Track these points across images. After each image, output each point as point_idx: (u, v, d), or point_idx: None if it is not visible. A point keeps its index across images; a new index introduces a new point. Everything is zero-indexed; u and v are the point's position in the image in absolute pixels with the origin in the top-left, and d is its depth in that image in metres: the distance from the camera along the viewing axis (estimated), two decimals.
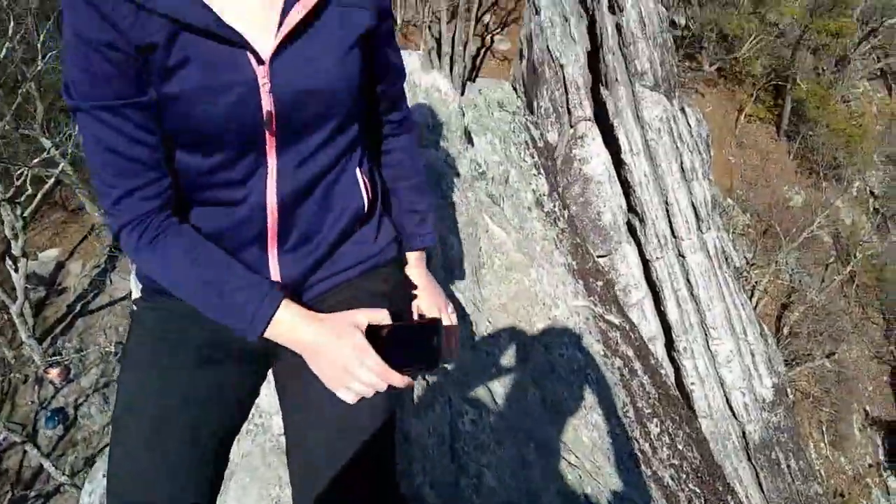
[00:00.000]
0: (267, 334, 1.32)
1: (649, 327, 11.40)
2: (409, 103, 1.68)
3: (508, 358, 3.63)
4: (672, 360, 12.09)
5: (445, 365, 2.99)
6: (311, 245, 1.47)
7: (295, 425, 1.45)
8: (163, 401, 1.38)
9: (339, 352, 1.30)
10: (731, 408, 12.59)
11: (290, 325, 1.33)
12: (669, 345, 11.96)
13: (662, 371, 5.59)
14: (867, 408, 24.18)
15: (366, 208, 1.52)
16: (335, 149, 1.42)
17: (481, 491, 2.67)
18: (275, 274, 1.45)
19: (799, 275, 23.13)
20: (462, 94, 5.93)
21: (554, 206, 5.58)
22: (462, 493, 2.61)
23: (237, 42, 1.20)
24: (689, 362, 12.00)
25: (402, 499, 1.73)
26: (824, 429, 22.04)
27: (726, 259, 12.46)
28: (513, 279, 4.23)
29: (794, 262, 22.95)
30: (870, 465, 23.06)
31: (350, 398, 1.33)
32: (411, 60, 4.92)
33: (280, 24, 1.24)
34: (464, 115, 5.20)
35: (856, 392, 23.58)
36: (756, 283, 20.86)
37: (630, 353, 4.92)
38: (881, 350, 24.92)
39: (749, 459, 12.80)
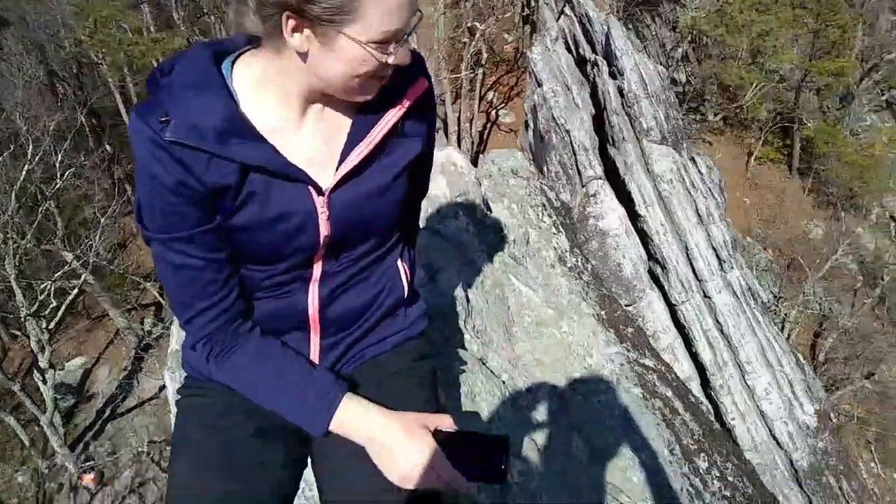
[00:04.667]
0: (332, 429, 1.40)
1: (682, 369, 11.38)
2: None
3: (549, 410, 3.74)
4: (710, 398, 12.02)
5: None
6: (352, 329, 1.58)
7: (335, 495, 1.53)
8: (225, 477, 1.44)
9: (410, 453, 1.34)
10: (775, 438, 12.44)
11: (353, 422, 1.40)
12: (705, 384, 11.92)
13: (703, 407, 5.63)
14: None
15: (406, 295, 1.64)
16: (378, 251, 1.54)
17: None
18: (314, 356, 1.56)
19: (828, 303, 22.91)
20: (475, 166, 6.21)
21: (577, 261, 5.77)
22: None
23: (301, 179, 1.31)
24: (727, 399, 11.93)
25: None
26: (873, 448, 21.49)
27: (752, 295, 12.48)
28: (544, 333, 4.39)
29: (822, 292, 22.76)
30: None
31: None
32: None
33: (341, 160, 1.34)
34: (480, 184, 5.46)
35: None
36: (786, 315, 20.69)
37: (669, 393, 4.99)
38: None
39: (800, 487, 12.55)
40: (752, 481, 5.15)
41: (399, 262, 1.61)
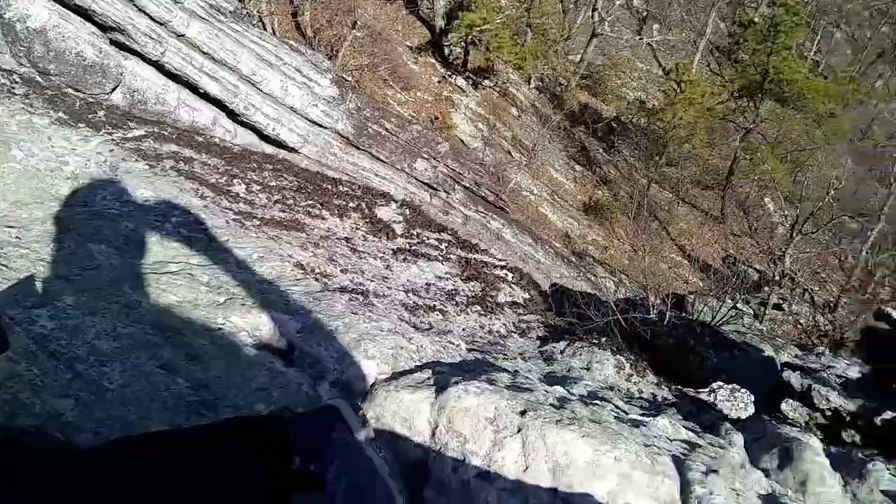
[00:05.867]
0: None
1: (204, 114, 11.20)
2: None
3: (54, 242, 3.36)
4: (245, 124, 12.18)
5: None
6: None
7: None
8: None
9: None
10: (316, 123, 13.27)
11: None
12: (233, 115, 11.95)
13: (218, 138, 5.61)
14: (409, 44, 26.99)
15: None
16: None
17: (101, 350, 2.59)
18: None
19: None
20: None
21: (3, 80, 4.94)
22: (89, 365, 2.51)
23: None
24: (258, 115, 12.18)
25: None
26: (391, 81, 24.28)
27: (219, 10, 12.19)
28: (1, 173, 3.79)
29: None
30: (439, 81, 26.36)
31: None
32: None
33: None
34: None
35: (393, 38, 25.98)
36: (258, 11, 20.95)
37: (174, 147, 4.80)
38: None
39: (357, 147, 13.90)
40: (295, 173, 5.45)
41: None
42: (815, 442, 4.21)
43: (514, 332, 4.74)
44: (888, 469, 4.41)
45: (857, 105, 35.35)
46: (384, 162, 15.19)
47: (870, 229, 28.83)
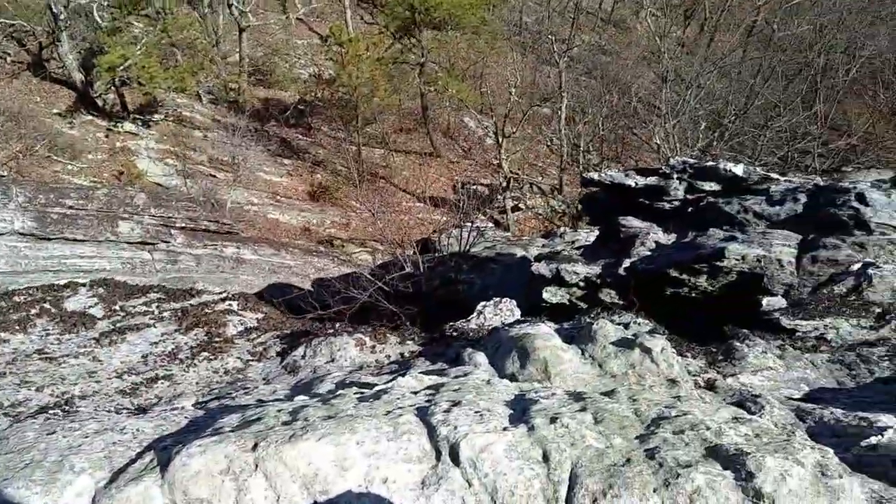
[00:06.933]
0: None
1: None
2: None
3: None
4: None
5: None
6: None
7: None
8: None
9: None
10: None
11: None
12: None
13: None
14: (56, 111, 24.82)
15: None
16: None
17: None
18: None
19: None
20: None
21: None
22: None
23: None
24: None
25: None
26: (55, 156, 22.43)
27: None
28: None
29: None
30: (106, 136, 24.71)
31: None
32: None
33: None
34: None
35: (37, 111, 23.75)
36: None
37: None
38: None
39: (48, 239, 12.80)
40: None
41: None
42: (541, 328, 4.57)
43: (252, 360, 4.59)
44: (612, 322, 4.92)
45: (484, 5, 38.22)
46: (84, 241, 14.06)
47: (558, 109, 31.56)
